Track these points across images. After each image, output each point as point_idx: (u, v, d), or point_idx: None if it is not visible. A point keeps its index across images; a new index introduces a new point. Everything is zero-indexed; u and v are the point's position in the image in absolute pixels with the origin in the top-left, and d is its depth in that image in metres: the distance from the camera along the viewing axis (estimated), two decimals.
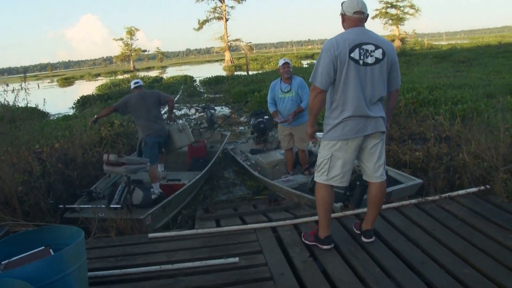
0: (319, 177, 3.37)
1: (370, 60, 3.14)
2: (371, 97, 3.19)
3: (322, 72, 3.12)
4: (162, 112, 6.96)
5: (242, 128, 11.80)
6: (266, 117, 8.48)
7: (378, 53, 3.15)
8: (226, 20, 53.87)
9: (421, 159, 6.15)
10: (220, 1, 53.29)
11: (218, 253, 3.51)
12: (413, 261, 3.13)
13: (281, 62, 6.30)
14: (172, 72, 46.88)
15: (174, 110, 7.20)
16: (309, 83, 3.44)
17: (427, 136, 7.92)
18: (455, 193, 4.38)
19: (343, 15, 3.28)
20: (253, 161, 7.48)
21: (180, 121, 6.93)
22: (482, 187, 4.38)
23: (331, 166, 3.28)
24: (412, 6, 55.60)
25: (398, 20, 55.39)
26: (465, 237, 3.44)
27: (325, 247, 3.43)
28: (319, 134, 5.22)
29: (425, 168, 5.89)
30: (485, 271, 2.92)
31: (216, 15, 53.73)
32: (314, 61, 37.31)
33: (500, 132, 5.68)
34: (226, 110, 15.33)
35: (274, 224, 4.02)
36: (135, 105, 6.37)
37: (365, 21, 3.26)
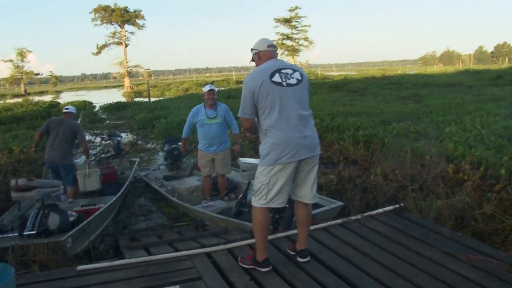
0: (258, 202, 3.40)
1: (292, 81, 3.36)
2: (301, 115, 3.33)
3: (245, 104, 3.33)
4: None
5: (151, 154, 11.55)
6: (180, 143, 8.39)
7: (297, 75, 3.41)
8: (126, 45, 52.83)
9: (335, 181, 6.50)
10: (120, 26, 52.20)
11: (157, 282, 3.37)
12: (350, 277, 3.28)
13: (206, 88, 6.30)
14: (68, 97, 44.53)
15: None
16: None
17: (334, 160, 8.41)
18: (374, 211, 4.68)
19: (258, 53, 3.51)
20: (169, 187, 7.36)
21: (95, 169, 6.81)
22: (397, 206, 4.73)
23: (269, 190, 3.33)
24: (306, 39, 59.66)
25: (293, 51, 58.67)
26: (391, 252, 3.69)
27: (264, 269, 3.45)
28: (243, 160, 5.33)
29: (340, 190, 6.24)
30: (414, 281, 3.15)
31: (116, 40, 52.52)
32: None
33: (401, 155, 6.26)
34: (130, 137, 14.88)
35: (208, 249, 3.97)
36: (51, 127, 6.57)
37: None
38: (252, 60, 3.60)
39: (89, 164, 7.18)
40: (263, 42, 3.53)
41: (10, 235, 4.85)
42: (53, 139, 6.57)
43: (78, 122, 18.14)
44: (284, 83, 3.30)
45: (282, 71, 3.34)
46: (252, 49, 3.58)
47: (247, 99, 3.31)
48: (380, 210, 4.71)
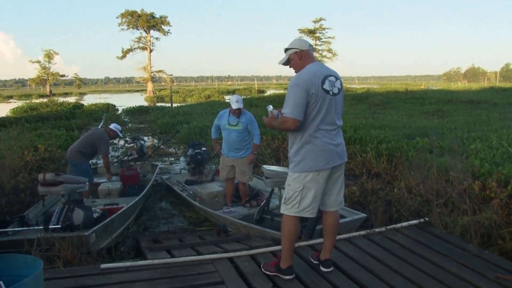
0: (289, 210, 3.35)
1: (335, 90, 3.30)
2: (338, 125, 3.35)
3: (299, 104, 3.14)
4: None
5: (172, 159, 11.65)
6: (204, 148, 8.46)
7: (338, 84, 3.33)
8: (151, 50, 53.49)
9: (357, 193, 6.46)
10: (146, 32, 52.94)
11: (179, 285, 3.40)
12: None
13: (234, 104, 6.20)
14: (91, 99, 45.30)
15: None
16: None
17: (356, 172, 8.36)
18: (398, 225, 4.64)
19: (299, 52, 3.35)
20: (191, 192, 7.39)
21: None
22: (422, 220, 4.68)
23: (302, 198, 3.28)
24: (329, 50, 59.46)
25: None
26: (416, 265, 3.64)
27: (287, 277, 3.43)
28: (267, 167, 5.34)
29: (362, 202, 6.19)
30: None
31: (141, 45, 53.24)
32: None
33: (425, 170, 6.19)
34: (150, 141, 15.03)
35: (231, 254, 3.98)
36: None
37: None
38: (287, 61, 3.43)
39: (109, 179, 7.29)
40: (303, 41, 3.42)
41: (36, 228, 4.94)
42: (79, 141, 6.85)
43: (101, 123, 18.47)
44: (331, 92, 3.25)
45: (329, 78, 3.27)
46: (289, 48, 3.41)
47: (302, 99, 3.15)
48: (404, 224, 4.67)
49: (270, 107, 3.44)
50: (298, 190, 3.28)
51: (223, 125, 6.35)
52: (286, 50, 3.44)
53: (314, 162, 3.24)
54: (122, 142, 12.63)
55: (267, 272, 3.55)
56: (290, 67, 3.45)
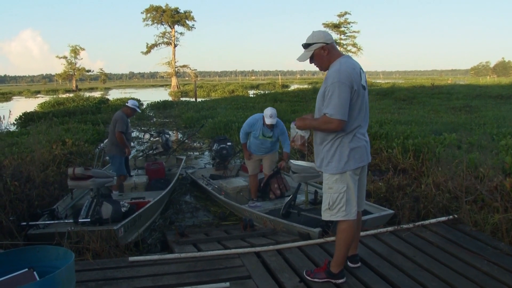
0: (336, 215, 3.16)
1: (365, 84, 3.21)
2: (368, 122, 3.28)
3: (341, 103, 2.96)
4: None
5: (197, 153, 11.73)
6: (229, 143, 8.49)
7: (364, 77, 3.19)
8: (175, 46, 53.83)
9: (384, 189, 6.39)
10: (170, 27, 53.28)
11: (206, 278, 3.42)
12: (402, 286, 3.22)
13: (268, 120, 6.13)
14: (116, 94, 45.95)
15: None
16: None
17: (382, 168, 8.28)
18: (427, 221, 4.57)
19: (326, 46, 3.12)
20: (216, 186, 7.43)
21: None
22: (451, 217, 4.60)
23: (347, 199, 3.13)
24: (354, 45, 58.77)
25: None
26: (445, 263, 3.59)
27: (340, 281, 3.31)
28: (294, 162, 5.33)
29: (389, 198, 6.12)
30: None
31: (165, 40, 53.60)
32: (260, 92, 38.23)
33: (453, 166, 6.08)
34: (174, 136, 15.17)
35: (258, 249, 3.99)
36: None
37: None
38: (311, 57, 3.18)
39: (128, 154, 7.15)
40: (327, 34, 3.17)
41: (66, 221, 5.05)
42: (104, 133, 6.98)
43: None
44: (365, 87, 3.16)
45: (362, 72, 3.14)
46: (312, 43, 3.14)
47: (347, 97, 2.97)
48: (432, 220, 4.60)
49: (294, 127, 3.35)
50: (343, 191, 3.12)
51: (255, 133, 6.35)
52: (307, 45, 3.17)
53: (354, 160, 3.11)
54: (147, 136, 12.85)
55: (316, 280, 3.35)
56: (312, 63, 3.22)
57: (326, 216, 3.23)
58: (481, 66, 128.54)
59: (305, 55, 3.20)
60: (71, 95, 35.29)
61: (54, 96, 35.55)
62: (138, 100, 30.27)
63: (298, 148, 3.54)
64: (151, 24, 52.84)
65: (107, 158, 7.46)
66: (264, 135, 6.30)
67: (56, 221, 5.05)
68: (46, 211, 5.32)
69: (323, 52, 3.14)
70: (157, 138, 9.94)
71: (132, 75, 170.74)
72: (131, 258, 3.82)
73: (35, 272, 2.85)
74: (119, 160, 6.93)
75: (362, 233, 4.12)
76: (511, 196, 5.03)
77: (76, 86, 62.62)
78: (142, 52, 53.41)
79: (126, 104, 7.13)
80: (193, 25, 53.77)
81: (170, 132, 13.22)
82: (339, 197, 3.12)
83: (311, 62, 3.24)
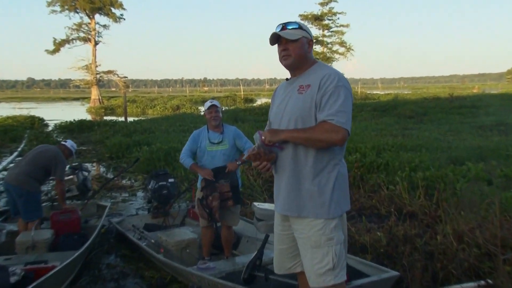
0: (341, 274, 3.21)
1: None
2: None
3: (349, 113, 3.14)
4: None
5: (126, 194, 11.62)
6: (171, 180, 8.42)
7: None
8: (96, 43, 53.36)
9: (384, 242, 6.44)
10: (88, 16, 52.83)
11: None
12: None
13: (207, 104, 6.36)
14: (5, 109, 44.86)
15: None
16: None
17: (381, 212, 8.36)
18: None
19: (311, 41, 3.40)
20: (152, 241, 7.33)
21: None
22: (483, 282, 4.65)
23: (345, 252, 3.27)
24: (342, 43, 58.65)
25: (324, 60, 58.37)
26: None
27: None
28: (259, 205, 5.34)
29: (392, 254, 6.17)
30: None
31: (82, 34, 53.08)
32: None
33: (482, 208, 6.19)
34: (95, 171, 15.00)
35: None
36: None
37: None
38: (293, 40, 3.28)
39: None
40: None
41: None
42: (21, 159, 7.21)
43: (22, 146, 18.38)
44: None
45: None
46: (302, 28, 3.33)
47: (351, 109, 3.21)
48: (456, 286, 4.65)
49: (259, 139, 3.41)
50: (343, 241, 3.23)
51: (202, 147, 6.31)
52: (296, 28, 3.32)
53: (344, 197, 3.25)
54: None
55: None
56: (282, 48, 3.33)
57: (326, 280, 3.16)
58: None
59: (294, 32, 3.29)
60: None
61: None
62: (40, 119, 29.86)
63: (257, 168, 3.45)
64: (60, 11, 52.11)
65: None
66: (211, 142, 6.26)
67: None
68: None
69: (307, 46, 3.34)
70: (71, 177, 9.75)
71: (32, 83, 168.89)
72: None
73: None
74: (38, 198, 7.07)
75: None
76: None
77: None
78: (47, 50, 52.75)
79: (63, 143, 7.24)
80: (121, 15, 53.82)
81: (89, 167, 13.06)
82: (342, 250, 3.20)
83: (282, 48, 3.32)
